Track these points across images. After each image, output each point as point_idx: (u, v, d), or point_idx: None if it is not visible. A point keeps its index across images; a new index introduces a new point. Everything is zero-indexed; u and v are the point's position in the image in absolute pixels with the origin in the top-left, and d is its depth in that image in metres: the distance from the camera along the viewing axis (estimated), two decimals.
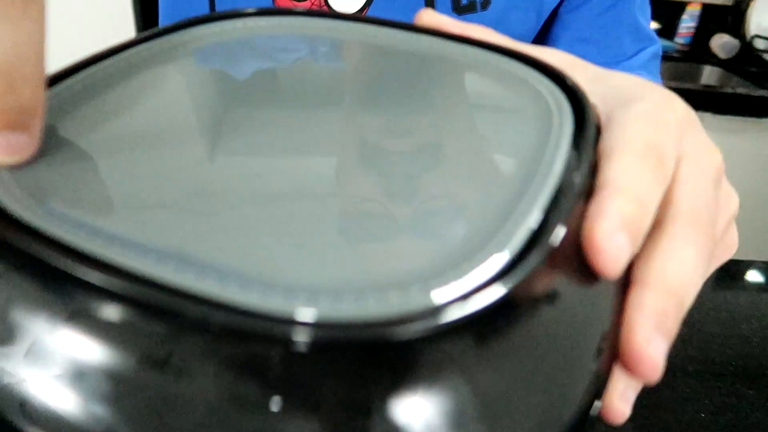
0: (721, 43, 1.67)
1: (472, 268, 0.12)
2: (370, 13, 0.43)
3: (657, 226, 0.16)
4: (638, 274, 0.16)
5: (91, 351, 0.11)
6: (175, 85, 0.20)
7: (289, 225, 0.14)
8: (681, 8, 1.73)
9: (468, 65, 0.22)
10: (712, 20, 1.76)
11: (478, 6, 0.42)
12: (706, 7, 1.75)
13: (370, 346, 0.11)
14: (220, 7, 0.42)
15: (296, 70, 0.22)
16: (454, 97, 0.21)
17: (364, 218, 0.14)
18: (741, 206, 0.21)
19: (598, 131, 0.18)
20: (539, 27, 0.46)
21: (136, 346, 0.11)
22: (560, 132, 0.17)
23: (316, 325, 0.11)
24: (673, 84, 1.35)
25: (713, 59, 1.67)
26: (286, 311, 0.11)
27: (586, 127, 0.17)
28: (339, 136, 0.18)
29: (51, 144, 0.15)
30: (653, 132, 0.17)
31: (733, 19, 1.74)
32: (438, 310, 0.11)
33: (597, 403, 0.14)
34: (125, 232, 0.13)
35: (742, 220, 0.22)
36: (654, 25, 1.71)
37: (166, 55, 0.20)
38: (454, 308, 0.11)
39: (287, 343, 0.11)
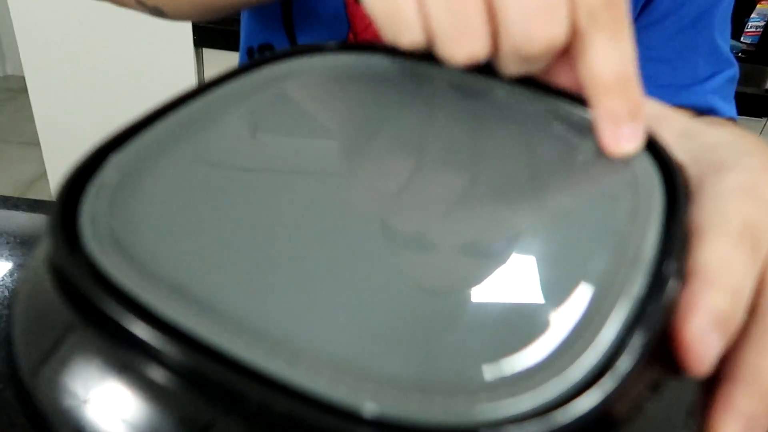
0: None
1: (551, 377, 0.12)
2: None
3: (750, 312, 0.15)
4: (729, 368, 0.15)
5: (146, 415, 0.11)
6: (265, 133, 0.19)
7: (372, 309, 0.13)
8: (751, 6, 1.65)
9: (549, 120, 0.21)
10: None
11: None
12: None
13: None
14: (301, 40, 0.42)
15: (376, 127, 0.21)
16: (532, 161, 0.20)
17: (448, 311, 0.14)
18: None
19: (689, 197, 0.17)
20: None
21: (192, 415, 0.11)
22: (649, 211, 0.16)
23: (378, 424, 0.11)
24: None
25: None
26: (350, 404, 0.11)
27: (678, 208, 0.16)
28: (412, 210, 0.17)
29: (153, 195, 0.15)
30: (749, 210, 0.16)
31: None
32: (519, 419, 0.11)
33: None
34: (202, 292, 0.13)
35: None
36: None
37: (254, 98, 0.20)
38: (536, 422, 0.11)
39: None
